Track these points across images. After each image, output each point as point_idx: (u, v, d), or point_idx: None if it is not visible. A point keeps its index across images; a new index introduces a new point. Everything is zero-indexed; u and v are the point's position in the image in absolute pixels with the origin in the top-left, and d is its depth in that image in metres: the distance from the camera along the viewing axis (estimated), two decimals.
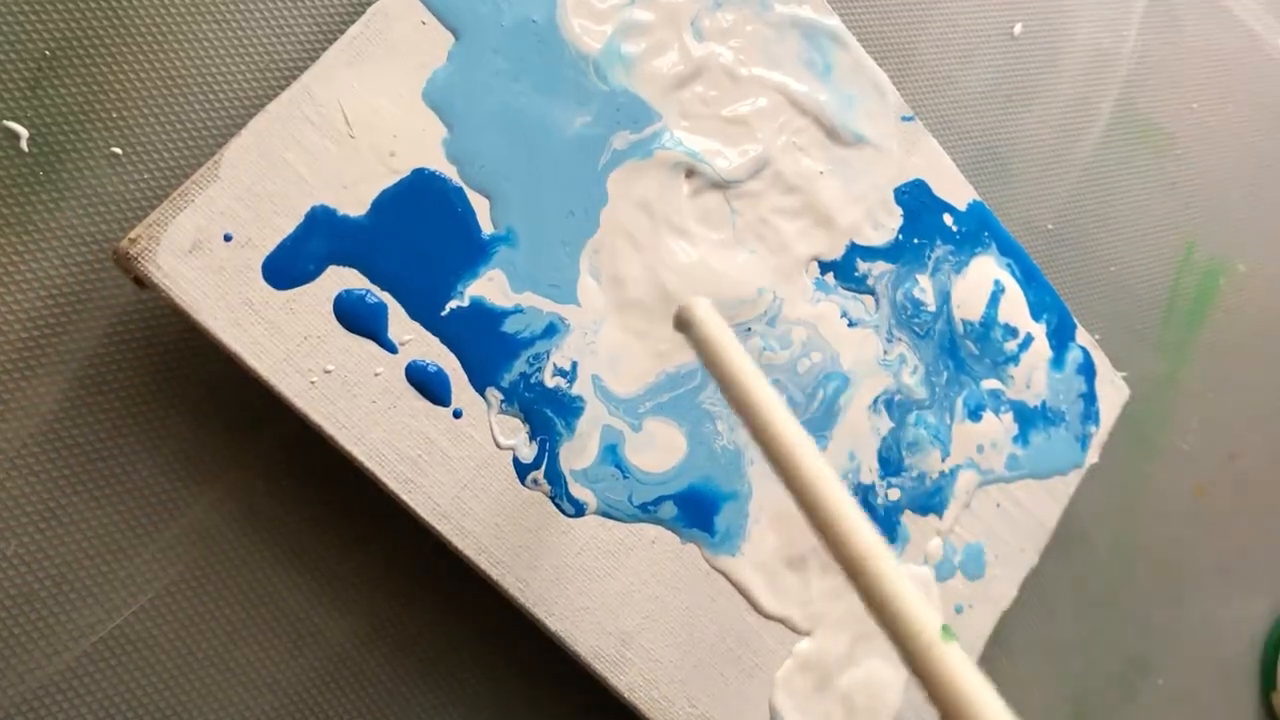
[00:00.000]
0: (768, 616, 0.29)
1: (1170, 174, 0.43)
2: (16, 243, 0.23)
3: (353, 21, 0.27)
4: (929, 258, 0.32)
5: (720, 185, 0.29)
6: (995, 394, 0.33)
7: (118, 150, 0.24)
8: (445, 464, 0.25)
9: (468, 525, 0.25)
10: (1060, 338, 0.35)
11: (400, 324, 0.24)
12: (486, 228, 0.25)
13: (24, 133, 0.23)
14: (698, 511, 0.28)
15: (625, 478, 0.27)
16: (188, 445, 0.25)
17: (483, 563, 0.25)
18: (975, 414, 0.32)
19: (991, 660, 0.38)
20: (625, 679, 0.27)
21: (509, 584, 0.25)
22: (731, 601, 0.28)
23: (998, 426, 0.33)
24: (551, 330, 0.26)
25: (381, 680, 0.27)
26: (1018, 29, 0.39)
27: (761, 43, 0.29)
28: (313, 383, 0.23)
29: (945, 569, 0.32)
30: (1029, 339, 0.34)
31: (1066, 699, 0.39)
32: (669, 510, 0.27)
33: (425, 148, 0.25)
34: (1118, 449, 0.40)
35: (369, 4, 0.27)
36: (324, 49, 0.25)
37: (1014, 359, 0.33)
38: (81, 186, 0.24)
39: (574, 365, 0.26)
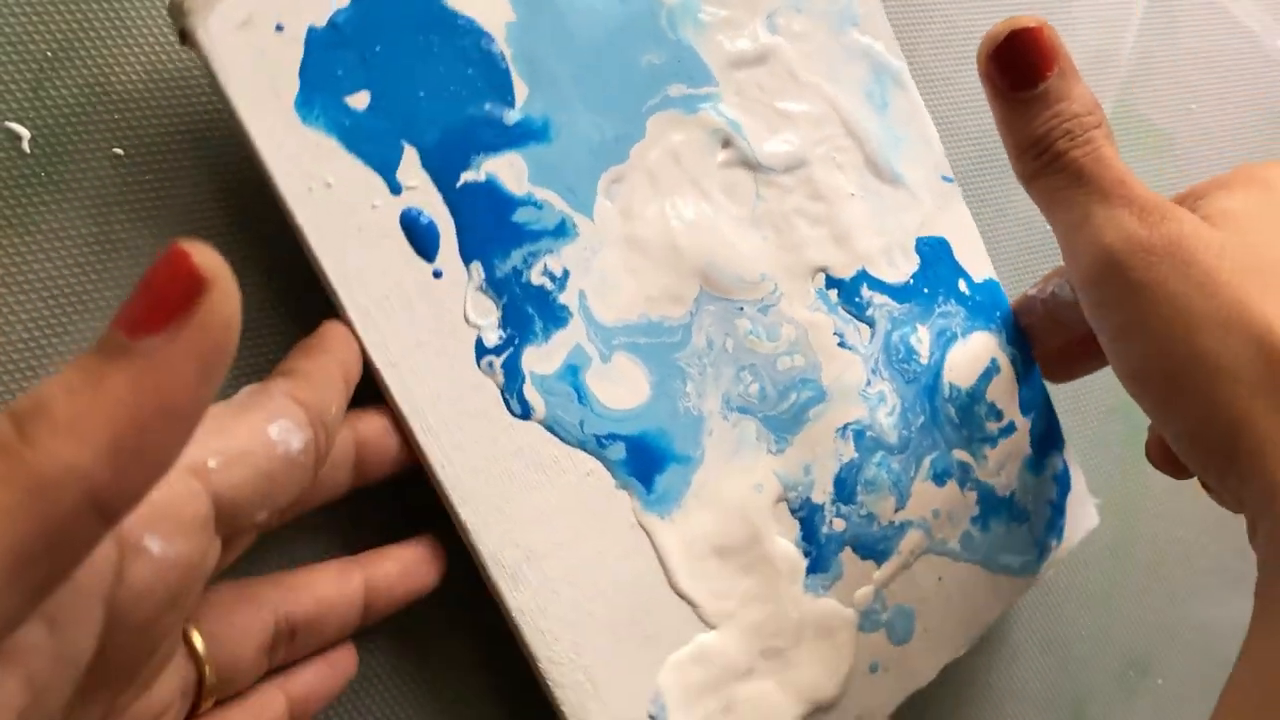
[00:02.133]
0: (679, 594, 0.27)
1: (1170, 174, 0.43)
2: (18, 243, 0.23)
3: None
4: (935, 311, 0.32)
5: (752, 166, 0.29)
6: (965, 467, 0.32)
7: (119, 151, 0.24)
8: (409, 315, 0.24)
9: (410, 382, 0.24)
10: (1044, 445, 0.33)
11: (410, 169, 0.24)
12: (513, 116, 0.25)
13: (26, 133, 0.23)
14: (642, 461, 0.27)
15: (581, 403, 0.26)
16: None
17: (415, 424, 0.24)
18: (940, 478, 0.31)
19: (992, 659, 0.38)
20: (518, 598, 0.25)
21: (433, 455, 0.24)
22: (647, 564, 0.27)
23: (959, 500, 0.31)
24: (560, 231, 0.26)
25: (381, 678, 0.27)
26: None
27: (829, 57, 0.30)
28: (310, 189, 0.23)
29: (870, 621, 0.30)
30: (1011, 427, 0.32)
31: (1066, 698, 0.39)
32: (617, 451, 0.27)
33: (493, 17, 0.25)
34: (1118, 448, 0.41)
35: None
36: None
37: (991, 441, 0.32)
38: (83, 187, 0.24)
39: (565, 274, 0.26)
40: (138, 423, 0.13)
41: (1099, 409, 0.41)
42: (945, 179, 0.32)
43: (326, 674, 0.24)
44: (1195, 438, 0.22)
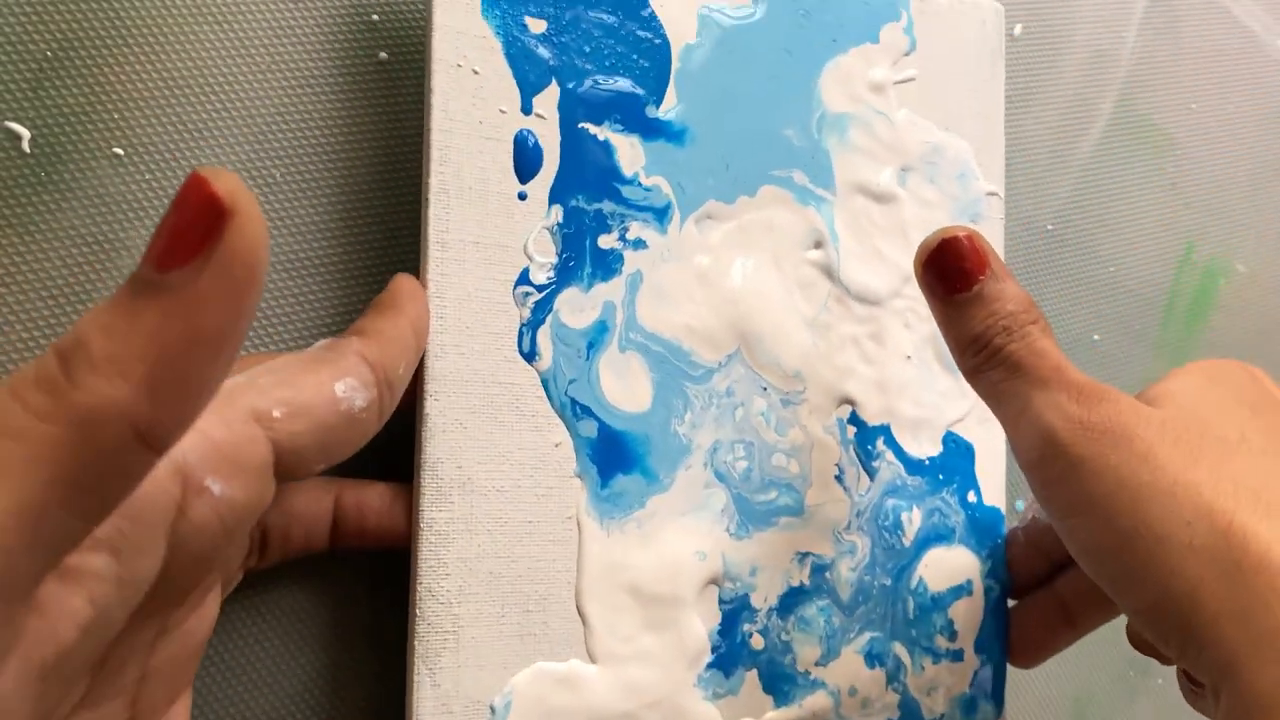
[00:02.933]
0: (579, 609, 0.26)
1: (1170, 174, 0.43)
2: (18, 243, 0.23)
3: (352, 23, 0.27)
4: (936, 503, 0.31)
5: (832, 277, 0.30)
6: (899, 665, 0.30)
7: (119, 151, 0.24)
8: (480, 214, 0.25)
9: (450, 270, 0.25)
10: (984, 692, 0.32)
11: (547, 101, 0.26)
12: (654, 113, 0.27)
13: (26, 134, 0.23)
14: (610, 454, 0.27)
15: (583, 368, 0.26)
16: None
17: (434, 309, 0.24)
18: (871, 659, 0.30)
19: None
20: (435, 515, 0.24)
21: (433, 344, 0.24)
22: (565, 563, 0.26)
23: (880, 694, 0.30)
24: (654, 216, 0.27)
25: (382, 678, 0.27)
26: (1018, 30, 0.39)
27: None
28: (459, 66, 0.25)
29: None
30: (960, 655, 0.31)
31: (1067, 698, 0.39)
32: (588, 428, 0.26)
33: (678, 30, 0.28)
34: None
35: (369, 8, 0.27)
36: (324, 50, 0.25)
37: (935, 656, 0.31)
38: (83, 187, 0.24)
39: (633, 249, 0.27)
40: (172, 356, 0.14)
41: None
42: None
43: None
44: (1152, 612, 0.22)
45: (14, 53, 0.23)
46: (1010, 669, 0.32)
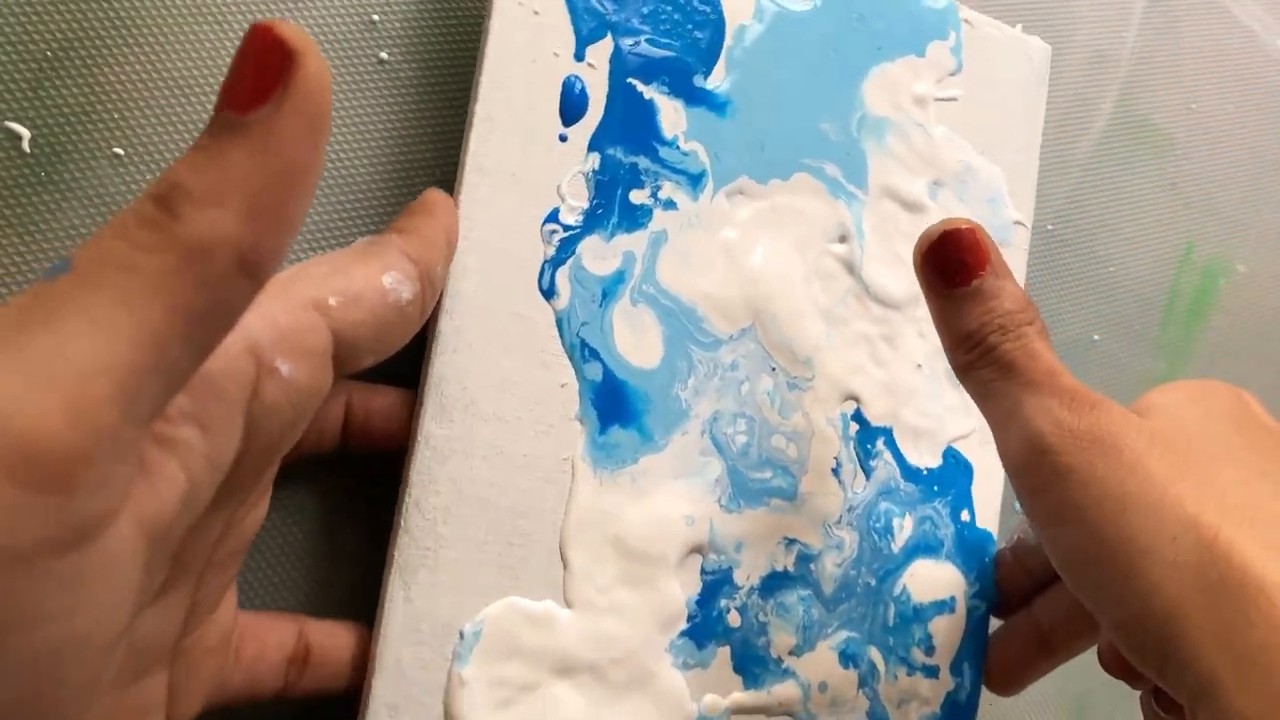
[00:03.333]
0: (561, 552, 0.26)
1: (1170, 174, 0.43)
2: (18, 243, 0.23)
3: (352, 23, 0.27)
4: (929, 514, 0.31)
5: (854, 274, 0.31)
6: (873, 670, 0.30)
7: (119, 151, 0.24)
8: (521, 145, 0.26)
9: (484, 195, 0.25)
10: (955, 715, 0.31)
11: (600, 52, 0.27)
12: (701, 83, 0.28)
13: (26, 133, 0.23)
14: (611, 403, 0.27)
15: (597, 312, 0.26)
16: None
17: (464, 229, 0.25)
18: (845, 659, 0.30)
19: None
20: (433, 430, 0.24)
21: (458, 265, 0.25)
22: (554, 503, 0.26)
23: (851, 696, 0.30)
24: (688, 180, 0.28)
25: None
26: (1017, 30, 0.39)
27: None
28: (521, 4, 0.26)
29: None
30: (934, 671, 0.31)
31: (1068, 698, 0.39)
32: (594, 371, 0.26)
33: (736, 9, 0.29)
34: None
35: (369, 7, 0.27)
36: (324, 50, 0.25)
37: (910, 668, 0.31)
38: (83, 187, 0.24)
39: (663, 209, 0.28)
40: (266, 186, 0.15)
41: None
42: None
43: None
44: (1131, 627, 0.22)
45: (14, 53, 0.23)
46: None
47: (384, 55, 0.27)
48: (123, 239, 0.14)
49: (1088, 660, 0.39)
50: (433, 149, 0.28)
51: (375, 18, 0.27)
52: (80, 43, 0.24)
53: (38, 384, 0.14)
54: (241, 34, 0.25)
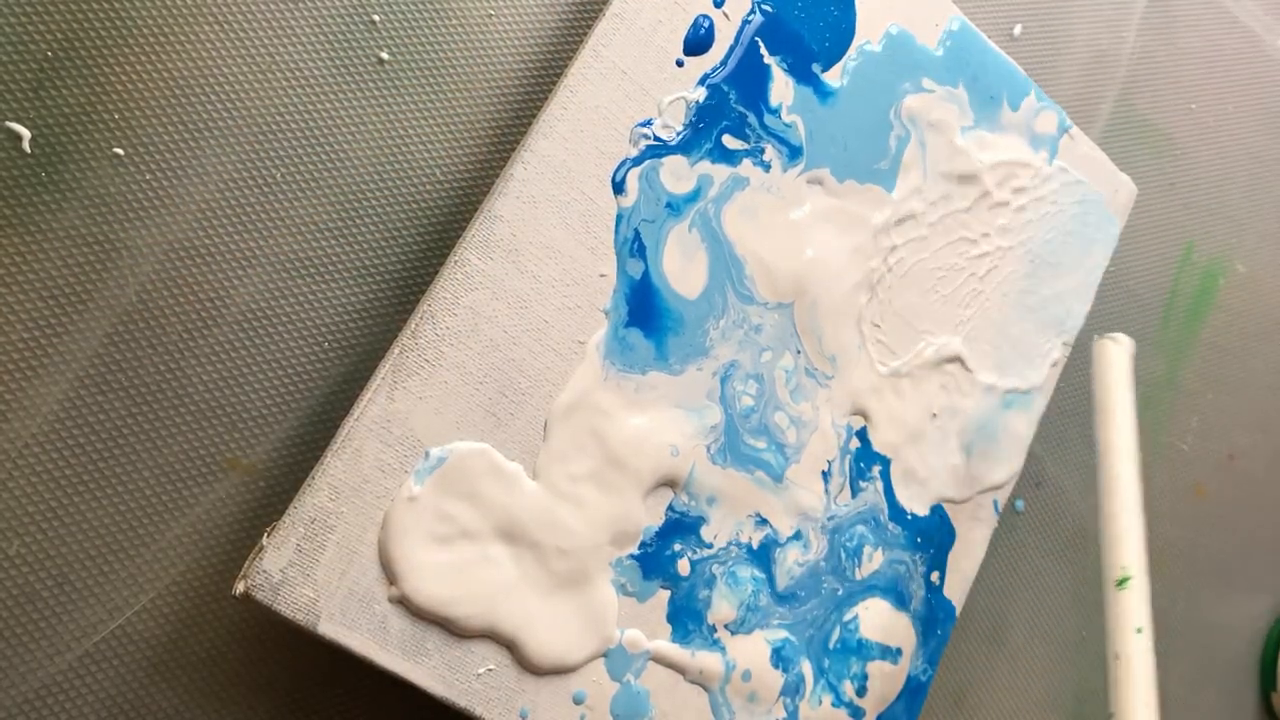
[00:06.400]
0: (545, 422, 0.26)
1: (1169, 174, 0.43)
2: (19, 243, 0.23)
3: (352, 23, 0.27)
4: (901, 560, 0.31)
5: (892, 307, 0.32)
6: (800, 680, 0.29)
7: (120, 151, 0.24)
8: (640, 53, 0.27)
9: (595, 79, 0.27)
10: None
11: (738, 7, 0.29)
12: (819, 70, 0.30)
13: (26, 134, 0.23)
14: (643, 307, 0.27)
15: (659, 213, 0.27)
16: (189, 446, 0.25)
17: (573, 73, 0.27)
18: (776, 657, 0.29)
19: (993, 658, 0.38)
20: (473, 258, 0.25)
21: (542, 119, 0.26)
22: (558, 374, 0.26)
23: (770, 699, 0.29)
24: (788, 151, 0.29)
25: (383, 678, 0.27)
26: (1017, 30, 0.39)
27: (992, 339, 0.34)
28: None
29: (616, 664, 0.27)
30: (858, 715, 0.31)
31: (1067, 697, 0.39)
32: (636, 268, 0.27)
33: (869, 26, 0.31)
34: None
35: (369, 7, 0.27)
36: (324, 50, 0.25)
37: (837, 700, 0.30)
38: (84, 187, 0.24)
39: (752, 162, 0.29)
40: None
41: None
42: (995, 511, 0.34)
43: None
44: None
45: (14, 53, 0.23)
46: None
47: (384, 55, 0.27)
48: None
49: (1089, 659, 0.39)
50: (432, 149, 0.28)
51: (375, 18, 0.27)
52: (80, 43, 0.24)
53: None
54: (241, 34, 0.25)
